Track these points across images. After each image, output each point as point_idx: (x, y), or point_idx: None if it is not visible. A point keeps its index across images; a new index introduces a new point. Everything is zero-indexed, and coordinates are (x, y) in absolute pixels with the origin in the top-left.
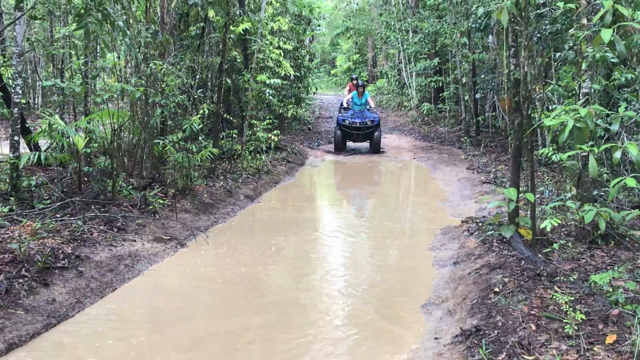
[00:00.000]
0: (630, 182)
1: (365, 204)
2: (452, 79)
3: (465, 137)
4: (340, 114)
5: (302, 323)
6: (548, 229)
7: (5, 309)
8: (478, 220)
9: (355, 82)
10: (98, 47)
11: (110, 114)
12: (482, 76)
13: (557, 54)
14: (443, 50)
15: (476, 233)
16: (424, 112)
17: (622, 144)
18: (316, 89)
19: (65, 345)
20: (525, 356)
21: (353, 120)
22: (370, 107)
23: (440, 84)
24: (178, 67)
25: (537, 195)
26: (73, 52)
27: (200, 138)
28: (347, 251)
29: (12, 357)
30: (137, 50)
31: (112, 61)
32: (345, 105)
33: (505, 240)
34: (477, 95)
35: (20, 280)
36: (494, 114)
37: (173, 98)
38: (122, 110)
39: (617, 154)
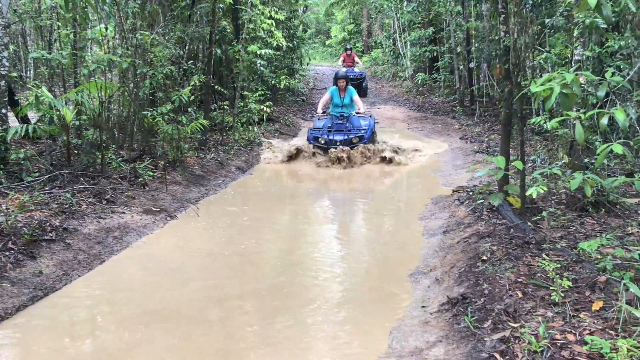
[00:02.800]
0: (617, 148)
1: (356, 175)
2: (447, 49)
3: (458, 107)
4: (312, 128)
5: (291, 294)
6: (534, 195)
7: None
8: (469, 190)
9: (349, 52)
10: (84, 18)
11: (98, 86)
12: (476, 45)
13: (548, 21)
14: (437, 19)
15: (466, 202)
16: (419, 83)
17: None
18: (310, 60)
19: (51, 317)
20: (510, 323)
21: (331, 137)
22: (358, 109)
23: (435, 54)
24: (167, 38)
25: (529, 164)
26: (59, 24)
27: (190, 110)
28: (339, 222)
29: None
30: (125, 20)
31: (99, 32)
32: (320, 110)
33: (495, 209)
34: (471, 65)
35: (7, 253)
36: (488, 83)
37: (161, 69)
38: (111, 82)
39: (604, 120)
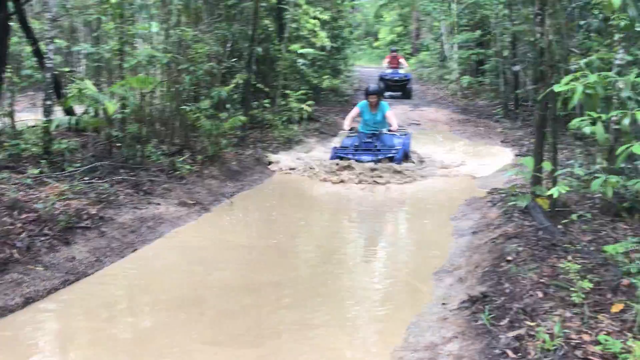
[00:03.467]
0: (637, 149)
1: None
2: (494, 52)
3: (499, 110)
4: (336, 147)
5: (317, 286)
6: (555, 195)
7: (25, 265)
8: (502, 191)
9: (394, 54)
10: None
11: (139, 80)
12: (521, 48)
13: (583, 23)
14: (484, 21)
15: (499, 204)
16: (464, 85)
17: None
18: (354, 61)
19: (80, 300)
20: (527, 322)
21: (357, 157)
22: (390, 127)
23: (482, 57)
24: (208, 36)
25: (567, 169)
26: (104, 18)
27: (228, 106)
28: (371, 221)
29: (28, 311)
30: (169, 17)
31: (143, 28)
32: (347, 126)
33: (525, 210)
34: (515, 68)
35: (42, 239)
36: (534, 87)
37: (201, 65)
38: (154, 77)
39: (625, 121)
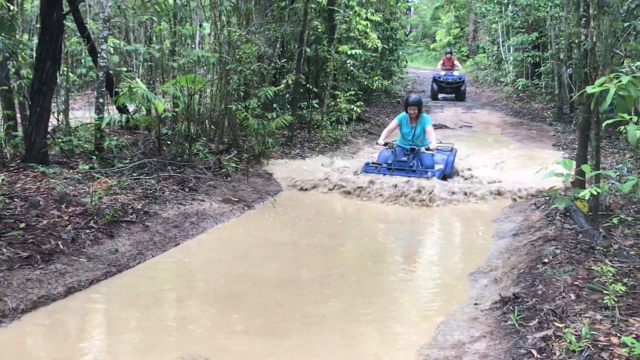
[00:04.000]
0: None
1: None
2: (550, 54)
3: (550, 113)
4: (369, 162)
5: (354, 282)
6: (586, 197)
7: (69, 256)
8: (546, 195)
9: (449, 56)
10: (179, 14)
11: (188, 80)
12: (575, 51)
13: (627, 24)
14: (539, 23)
15: (542, 207)
16: (519, 88)
17: None
18: (407, 63)
19: (121, 291)
20: (556, 323)
21: (392, 174)
22: (430, 143)
23: (537, 59)
24: (257, 36)
25: (617, 173)
26: (155, 19)
27: (275, 106)
28: (413, 225)
29: (70, 300)
30: (219, 18)
31: (192, 28)
32: (382, 140)
33: (567, 214)
34: (569, 71)
35: (87, 231)
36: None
37: (249, 65)
38: (202, 76)
39: None
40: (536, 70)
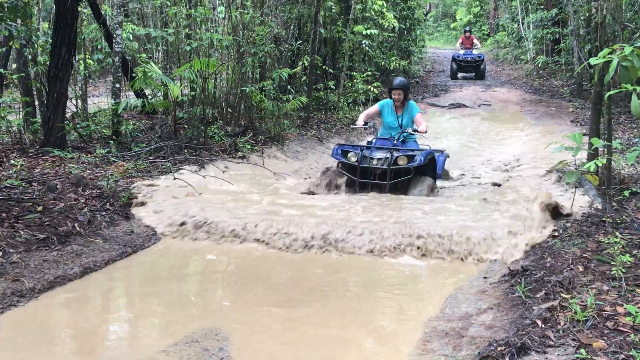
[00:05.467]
0: None
1: (454, 152)
2: (569, 30)
3: (566, 89)
4: (341, 152)
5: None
6: (591, 169)
7: (86, 237)
8: (561, 170)
9: (468, 34)
10: None
11: (203, 63)
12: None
13: None
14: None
15: (557, 183)
16: (539, 65)
17: None
18: (425, 42)
19: (136, 271)
20: (562, 294)
21: (368, 154)
22: (417, 129)
23: (557, 36)
24: (270, 18)
25: (622, 145)
26: (169, 3)
27: (289, 87)
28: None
29: (86, 280)
30: (233, 1)
31: (205, 11)
32: (360, 122)
33: (581, 187)
34: (588, 47)
35: (103, 213)
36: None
37: (262, 47)
38: (218, 60)
39: None
40: (556, 47)
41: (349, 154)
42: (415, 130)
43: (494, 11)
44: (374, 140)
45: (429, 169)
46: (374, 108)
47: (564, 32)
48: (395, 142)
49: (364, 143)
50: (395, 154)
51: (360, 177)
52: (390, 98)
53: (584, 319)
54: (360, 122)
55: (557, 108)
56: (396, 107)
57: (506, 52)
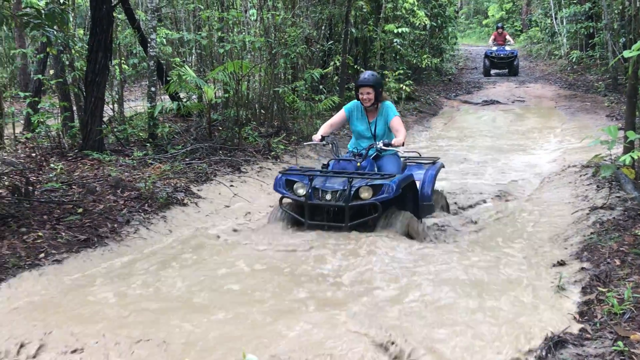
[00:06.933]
0: None
1: (488, 148)
2: (604, 24)
3: (601, 83)
4: (284, 182)
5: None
6: (627, 162)
7: (124, 237)
8: (597, 163)
9: (500, 30)
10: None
11: (236, 65)
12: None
13: None
14: None
15: (592, 176)
16: (573, 60)
17: None
18: (456, 40)
19: (170, 260)
20: (599, 288)
21: (319, 185)
22: (391, 140)
23: (591, 30)
24: (301, 19)
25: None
26: (202, 7)
27: (321, 88)
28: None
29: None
30: (265, 2)
31: (237, 14)
32: (317, 136)
33: (618, 182)
34: (622, 40)
35: (141, 214)
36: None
37: (294, 48)
38: (251, 62)
39: None
40: (590, 41)
41: (296, 185)
42: (388, 144)
43: (527, 7)
44: (331, 163)
45: (407, 200)
46: (339, 115)
47: (597, 26)
48: (360, 163)
49: None
50: (356, 183)
51: (312, 218)
52: (357, 99)
53: (621, 311)
54: (317, 136)
55: (592, 103)
56: (367, 111)
57: (539, 48)
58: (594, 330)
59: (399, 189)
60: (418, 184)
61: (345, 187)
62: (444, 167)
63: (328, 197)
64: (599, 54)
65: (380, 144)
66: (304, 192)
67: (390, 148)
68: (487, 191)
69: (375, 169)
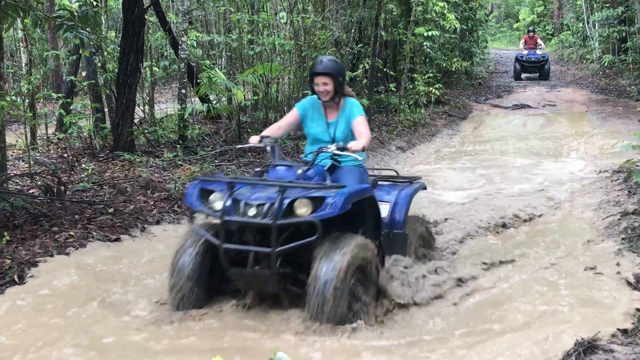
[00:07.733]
0: None
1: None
2: (637, 28)
3: (634, 88)
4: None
5: None
6: None
7: (155, 237)
8: (629, 169)
9: (531, 34)
10: (256, 4)
11: (266, 68)
12: None
13: None
14: None
15: (625, 182)
16: (605, 65)
17: None
18: (487, 43)
19: None
20: None
21: (241, 197)
22: (344, 147)
23: (624, 34)
24: (331, 22)
25: None
26: (232, 10)
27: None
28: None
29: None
30: (295, 5)
31: (267, 17)
32: (256, 139)
33: None
34: None
35: (171, 215)
36: None
37: (324, 51)
38: (281, 64)
39: None
40: (623, 45)
41: (212, 197)
42: (343, 149)
43: (558, 10)
44: (268, 171)
45: (364, 222)
46: (291, 114)
47: (630, 30)
48: (301, 170)
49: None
50: (290, 194)
51: (229, 241)
52: (313, 92)
53: None
54: (255, 138)
55: (625, 108)
56: (326, 108)
57: (571, 52)
58: (625, 337)
59: (347, 204)
60: (387, 206)
61: (271, 201)
62: (425, 188)
63: (251, 212)
64: (631, 59)
65: (332, 147)
66: (221, 206)
67: (345, 153)
68: (511, 206)
69: (320, 174)
